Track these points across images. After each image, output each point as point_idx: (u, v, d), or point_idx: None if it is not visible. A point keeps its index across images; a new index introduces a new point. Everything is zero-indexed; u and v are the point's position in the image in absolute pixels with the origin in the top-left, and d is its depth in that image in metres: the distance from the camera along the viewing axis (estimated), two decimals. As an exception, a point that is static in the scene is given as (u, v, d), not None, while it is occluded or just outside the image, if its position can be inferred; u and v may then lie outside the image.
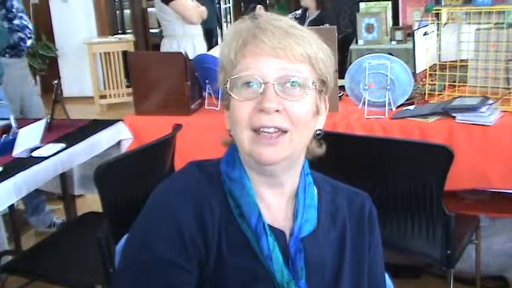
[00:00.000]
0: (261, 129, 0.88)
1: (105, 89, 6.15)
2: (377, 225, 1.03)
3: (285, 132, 0.89)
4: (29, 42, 3.10)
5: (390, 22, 4.86)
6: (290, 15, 4.38)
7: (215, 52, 3.05)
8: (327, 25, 3.68)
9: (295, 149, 0.91)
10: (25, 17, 3.08)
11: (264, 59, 0.88)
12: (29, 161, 2.00)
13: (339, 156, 1.70)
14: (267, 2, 7.56)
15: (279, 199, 0.96)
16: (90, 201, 3.04)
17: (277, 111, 0.87)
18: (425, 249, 1.82)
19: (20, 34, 3.02)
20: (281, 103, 0.88)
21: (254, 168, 0.93)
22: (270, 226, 0.92)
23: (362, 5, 4.94)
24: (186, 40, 4.09)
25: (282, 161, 0.90)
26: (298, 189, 0.97)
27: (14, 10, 3.00)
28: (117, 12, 6.98)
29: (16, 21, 3.00)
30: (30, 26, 3.11)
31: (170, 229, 0.87)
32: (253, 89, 0.88)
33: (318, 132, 0.96)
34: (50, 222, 3.14)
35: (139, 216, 0.92)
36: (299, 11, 4.32)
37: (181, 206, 0.89)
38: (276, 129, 0.88)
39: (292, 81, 0.88)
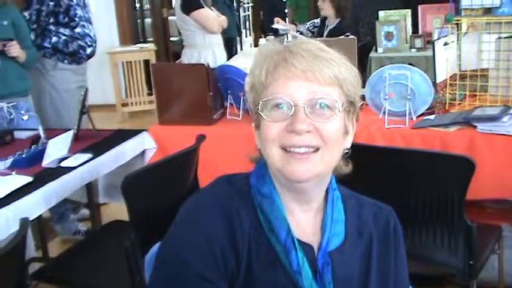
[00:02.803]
0: (291, 149, 0.91)
1: (126, 97, 6.24)
2: (402, 239, 1.06)
3: (317, 149, 0.91)
4: (88, 50, 3.21)
5: (410, 30, 4.86)
6: (309, 23, 4.41)
7: (235, 61, 3.09)
8: (347, 34, 3.70)
9: (326, 167, 0.94)
10: (88, 25, 3.20)
11: (294, 82, 0.91)
12: (58, 171, 2.06)
13: (361, 167, 1.72)
14: (286, 11, 7.59)
15: (307, 214, 0.99)
16: (114, 210, 3.09)
17: (308, 131, 0.90)
18: (448, 260, 1.83)
19: (80, 42, 3.14)
20: (311, 124, 0.90)
21: (284, 184, 0.96)
22: (298, 241, 0.94)
23: (381, 13, 4.95)
24: (207, 49, 4.14)
25: (314, 178, 0.93)
26: (326, 204, 0.99)
27: (76, 19, 3.11)
28: (138, 21, 7.08)
29: (78, 30, 3.12)
30: (92, 34, 3.22)
31: (201, 243, 0.90)
32: (283, 111, 0.91)
33: (346, 151, 0.99)
34: (75, 229, 3.20)
35: (171, 230, 0.95)
36: (317, 20, 4.34)
37: (212, 220, 0.92)
38: (307, 148, 0.91)
39: (322, 104, 0.91)
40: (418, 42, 4.47)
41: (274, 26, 4.01)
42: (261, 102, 0.93)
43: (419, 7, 4.79)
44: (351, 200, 1.04)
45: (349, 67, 0.96)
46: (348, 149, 0.99)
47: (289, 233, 0.93)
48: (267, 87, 0.93)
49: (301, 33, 4.32)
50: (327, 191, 1.01)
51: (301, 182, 0.93)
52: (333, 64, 0.93)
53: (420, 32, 4.70)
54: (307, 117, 0.90)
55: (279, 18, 4.24)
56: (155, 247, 1.17)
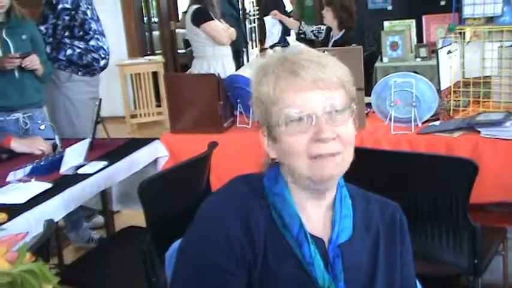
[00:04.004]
0: (319, 156, 0.97)
1: (135, 108, 6.33)
2: (407, 232, 1.13)
3: (338, 153, 0.98)
4: (102, 62, 3.32)
5: (414, 39, 4.94)
6: (315, 27, 4.42)
7: (244, 72, 3.17)
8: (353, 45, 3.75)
9: (346, 165, 1.01)
10: (102, 38, 3.32)
11: (307, 93, 0.96)
12: (75, 178, 2.14)
13: (367, 171, 1.78)
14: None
15: (318, 210, 1.05)
16: (126, 218, 3.16)
17: (333, 139, 0.96)
18: (453, 260, 1.88)
19: (94, 55, 3.26)
20: (334, 131, 0.97)
21: (305, 186, 1.01)
22: (310, 234, 1.01)
23: (386, 23, 5.03)
24: (216, 61, 4.23)
25: (337, 176, 1.01)
26: (335, 201, 1.06)
27: (90, 32, 3.24)
28: (146, 34, 7.19)
29: (92, 42, 3.24)
30: (106, 47, 3.34)
31: (221, 239, 0.97)
32: (303, 123, 0.96)
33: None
34: (89, 237, 3.26)
35: (193, 227, 1.03)
36: (323, 27, 4.36)
37: (230, 217, 0.99)
38: (331, 154, 0.97)
39: (336, 109, 0.97)
40: (423, 52, 4.53)
41: (270, 16, 3.99)
42: (278, 120, 0.97)
43: (424, 17, 4.87)
44: (358, 197, 1.11)
45: (343, 67, 1.02)
46: None
47: (302, 228, 1.00)
48: (276, 101, 0.97)
49: (304, 33, 4.34)
50: (336, 188, 1.07)
51: (328, 181, 1.00)
52: (334, 69, 0.99)
53: (425, 42, 4.77)
54: (328, 124, 0.96)
55: (276, 11, 4.25)
56: (175, 244, 1.24)
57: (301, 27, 4.37)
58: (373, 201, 1.12)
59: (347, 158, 1.00)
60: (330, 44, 4.05)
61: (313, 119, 0.96)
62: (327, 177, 0.99)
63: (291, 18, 4.41)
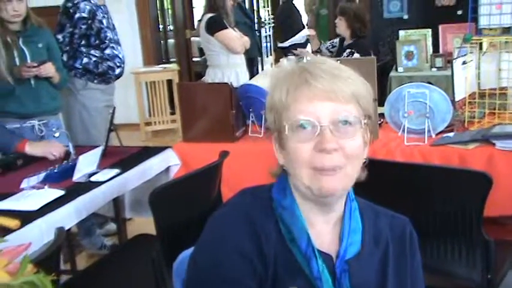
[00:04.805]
0: (321, 169, 0.97)
1: (150, 116, 6.37)
2: (417, 247, 1.11)
3: (340, 168, 0.97)
4: (117, 71, 3.36)
5: (430, 49, 4.90)
6: (328, 43, 4.45)
7: (257, 81, 3.17)
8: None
9: (350, 180, 1.01)
10: (117, 47, 3.36)
11: (317, 103, 0.96)
12: (88, 185, 2.15)
13: (380, 182, 1.77)
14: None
15: (326, 224, 1.05)
16: (139, 225, 3.17)
17: (335, 150, 0.96)
18: (466, 274, 1.85)
19: (110, 63, 3.30)
20: (338, 142, 0.96)
21: (310, 198, 1.01)
22: (318, 250, 1.00)
23: (401, 32, 5.01)
24: (230, 69, 4.23)
25: (339, 192, 1.00)
26: (344, 215, 1.05)
27: (106, 41, 3.28)
28: (162, 42, 7.24)
29: (107, 51, 3.29)
30: (121, 55, 3.38)
31: (232, 252, 0.97)
32: (308, 131, 0.97)
33: (364, 160, 1.05)
34: (101, 244, 3.28)
35: (202, 239, 1.02)
36: (336, 40, 4.39)
37: (239, 230, 0.99)
38: (334, 167, 0.97)
39: (344, 121, 0.97)
40: (439, 62, 4.51)
41: (302, 34, 4.04)
42: (285, 125, 0.98)
43: (440, 27, 4.84)
44: (368, 211, 1.10)
45: (363, 82, 1.02)
46: (365, 158, 1.05)
47: (310, 243, 1.00)
48: (288, 107, 0.98)
49: (320, 51, 4.37)
50: (345, 201, 1.06)
51: (328, 197, 0.99)
52: (350, 82, 0.99)
53: (441, 52, 4.74)
54: (333, 135, 0.96)
55: (313, 30, 4.29)
56: (183, 254, 1.24)
57: (320, 47, 4.41)
58: (383, 215, 1.11)
59: (350, 172, 0.99)
60: (344, 54, 4.04)
61: (318, 128, 0.96)
62: (326, 192, 0.98)
63: (315, 39, 4.47)
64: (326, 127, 0.96)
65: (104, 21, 3.28)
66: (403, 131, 2.42)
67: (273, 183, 1.08)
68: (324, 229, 1.04)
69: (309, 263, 0.99)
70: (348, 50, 4.02)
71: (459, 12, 5.46)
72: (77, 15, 3.16)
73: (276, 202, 1.04)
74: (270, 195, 1.05)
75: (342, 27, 4.15)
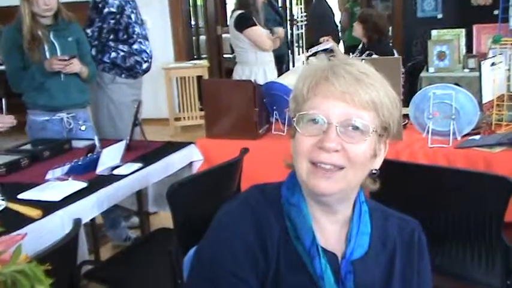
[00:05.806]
0: (319, 164, 0.96)
1: (179, 111, 6.44)
2: (426, 251, 1.09)
3: (341, 168, 0.97)
4: (144, 66, 3.42)
5: (463, 49, 4.80)
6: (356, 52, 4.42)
7: (285, 79, 3.17)
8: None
9: (348, 184, 0.99)
10: (145, 42, 3.41)
11: (331, 102, 0.96)
12: (110, 178, 2.19)
13: (399, 184, 1.75)
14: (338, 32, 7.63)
15: (333, 225, 1.04)
16: (163, 219, 3.22)
17: (336, 151, 0.95)
18: (485, 279, 1.82)
19: (137, 58, 3.35)
20: (340, 143, 0.95)
21: (310, 196, 1.02)
22: (323, 248, 1.00)
23: (434, 32, 4.91)
24: (258, 67, 4.24)
25: (335, 194, 0.98)
26: (353, 217, 1.05)
27: (134, 36, 3.34)
28: (193, 38, 7.30)
29: (135, 46, 3.34)
30: (149, 50, 3.43)
31: (235, 246, 0.98)
32: (317, 127, 0.96)
33: (373, 171, 1.03)
34: (126, 236, 3.34)
35: (207, 234, 1.04)
36: (360, 46, 4.36)
37: (244, 225, 1.00)
38: (332, 166, 0.96)
39: (354, 126, 0.96)
40: (472, 62, 4.40)
41: (322, 45, 4.06)
42: (297, 115, 0.99)
43: (474, 27, 4.72)
44: (377, 212, 1.09)
45: (388, 92, 0.99)
46: (376, 169, 1.03)
47: (314, 241, 1.00)
48: (306, 100, 0.99)
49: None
50: (354, 204, 1.06)
51: (323, 196, 0.99)
52: (371, 89, 0.96)
53: (474, 52, 4.63)
54: (338, 136, 0.95)
55: (329, 37, 4.29)
56: (194, 248, 1.26)
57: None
58: (392, 218, 1.10)
59: (351, 178, 0.98)
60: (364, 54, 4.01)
61: (326, 125, 0.96)
62: (318, 191, 0.97)
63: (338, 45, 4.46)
64: (333, 126, 0.95)
65: (132, 16, 3.33)
66: (428, 132, 2.38)
67: (284, 181, 1.08)
68: (331, 229, 1.04)
69: (312, 261, 0.99)
70: (367, 52, 3.99)
71: (495, 12, 5.31)
72: (106, 10, 3.22)
73: (284, 198, 1.04)
74: (279, 192, 1.06)
75: (358, 32, 4.19)
